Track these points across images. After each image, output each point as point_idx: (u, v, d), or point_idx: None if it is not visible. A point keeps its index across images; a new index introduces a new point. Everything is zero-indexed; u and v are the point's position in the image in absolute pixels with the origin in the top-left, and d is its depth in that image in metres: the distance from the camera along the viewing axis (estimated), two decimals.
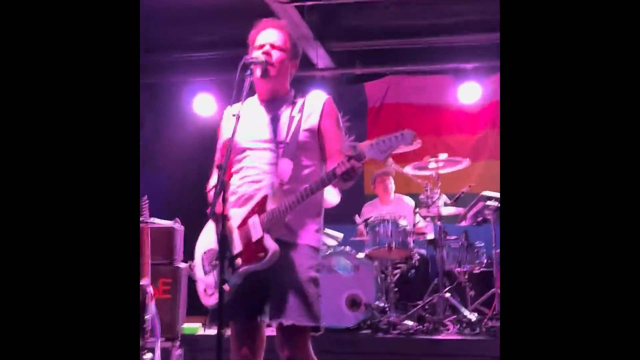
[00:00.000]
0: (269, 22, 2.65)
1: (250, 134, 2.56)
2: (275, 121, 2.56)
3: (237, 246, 2.44)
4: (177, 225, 5.47)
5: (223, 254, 2.24)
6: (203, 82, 7.42)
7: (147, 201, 5.16)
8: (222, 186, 2.19)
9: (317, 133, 2.56)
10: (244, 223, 2.45)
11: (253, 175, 2.52)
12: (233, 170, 2.59)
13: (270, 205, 2.40)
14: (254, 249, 2.38)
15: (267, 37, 2.59)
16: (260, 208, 2.43)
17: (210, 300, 2.51)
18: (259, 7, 5.58)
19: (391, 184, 6.14)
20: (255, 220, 2.41)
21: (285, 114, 2.58)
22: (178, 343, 4.82)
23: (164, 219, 5.69)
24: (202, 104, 7.42)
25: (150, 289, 4.69)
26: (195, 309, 5.84)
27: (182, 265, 5.37)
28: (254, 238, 2.38)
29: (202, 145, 7.52)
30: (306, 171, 2.50)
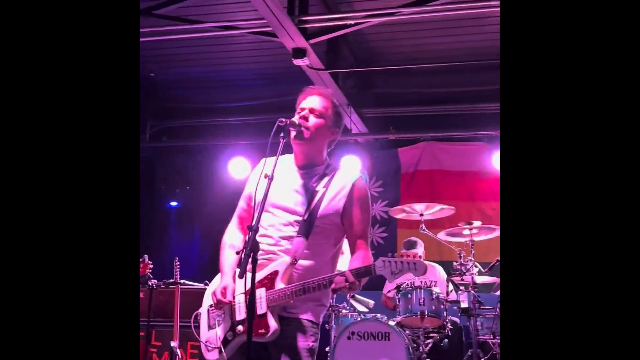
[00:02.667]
0: (314, 89, 2.70)
1: (283, 202, 2.55)
2: (299, 192, 2.56)
3: (241, 313, 2.46)
4: (207, 288, 5.45)
5: (251, 317, 2.22)
6: (239, 145, 7.55)
7: (178, 263, 5.19)
8: (253, 248, 2.18)
9: (341, 214, 2.54)
10: (248, 295, 2.42)
11: (268, 243, 2.50)
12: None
13: (278, 284, 2.41)
14: (256, 322, 2.36)
15: (309, 103, 2.62)
16: (269, 283, 2.43)
17: (210, 355, 2.52)
18: (297, 73, 5.73)
19: (419, 248, 6.02)
20: (262, 295, 2.41)
21: (311, 186, 2.57)
22: None
23: (195, 282, 5.70)
24: (237, 166, 7.52)
25: (179, 352, 4.65)
26: None
27: None
28: (258, 312, 2.39)
29: (235, 206, 7.61)
30: (320, 250, 2.50)
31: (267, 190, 2.37)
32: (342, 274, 2.34)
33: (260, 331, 2.36)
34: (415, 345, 5.16)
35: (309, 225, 2.48)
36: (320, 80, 5.84)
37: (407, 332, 5.20)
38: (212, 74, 7.06)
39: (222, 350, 2.46)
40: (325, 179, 2.58)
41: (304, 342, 2.46)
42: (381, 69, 6.75)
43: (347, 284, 2.30)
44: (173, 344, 4.67)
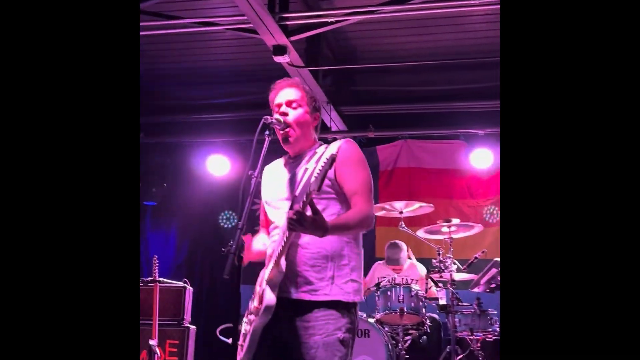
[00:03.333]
0: (283, 82, 2.67)
1: (275, 194, 2.58)
2: (293, 178, 2.54)
3: (254, 303, 2.46)
4: (186, 286, 5.43)
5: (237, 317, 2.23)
6: (217, 142, 7.51)
7: (157, 261, 5.16)
8: (238, 246, 2.18)
9: (334, 180, 2.46)
10: (261, 281, 2.47)
11: (275, 235, 2.51)
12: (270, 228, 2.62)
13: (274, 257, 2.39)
14: (259, 302, 2.39)
15: (283, 96, 2.60)
16: (269, 260, 2.44)
17: (239, 356, 2.45)
18: (277, 70, 5.71)
19: (403, 253, 6.08)
20: (261, 276, 2.43)
21: (301, 167, 2.55)
22: None
23: (174, 279, 5.67)
24: (216, 164, 7.48)
25: (158, 350, 4.62)
26: None
27: (191, 326, 5.30)
28: (260, 292, 2.39)
29: (214, 205, 7.60)
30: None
31: (252, 188, 2.35)
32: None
33: (257, 307, 2.35)
34: (394, 342, 5.20)
35: (297, 200, 2.39)
36: (300, 78, 5.83)
37: (387, 329, 5.23)
38: (191, 71, 7.00)
39: (243, 347, 2.43)
40: (316, 156, 2.53)
41: (331, 333, 2.32)
42: (360, 67, 6.76)
43: (294, 215, 2.17)
44: (152, 342, 4.64)
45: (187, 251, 7.69)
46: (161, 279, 5.18)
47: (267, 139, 2.45)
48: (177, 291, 5.37)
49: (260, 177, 2.43)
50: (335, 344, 2.31)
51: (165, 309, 5.13)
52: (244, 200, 2.30)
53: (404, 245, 5.99)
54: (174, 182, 7.77)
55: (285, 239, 2.31)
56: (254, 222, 2.75)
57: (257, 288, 2.47)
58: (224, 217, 7.53)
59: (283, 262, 2.33)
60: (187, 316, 5.35)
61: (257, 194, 2.59)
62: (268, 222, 2.64)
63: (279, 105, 2.59)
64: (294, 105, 2.58)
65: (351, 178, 2.45)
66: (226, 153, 7.43)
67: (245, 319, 2.53)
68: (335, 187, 2.47)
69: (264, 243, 2.62)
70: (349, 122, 7.22)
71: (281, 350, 2.39)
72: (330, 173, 2.38)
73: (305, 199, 2.18)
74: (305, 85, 2.67)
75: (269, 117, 2.49)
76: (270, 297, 2.30)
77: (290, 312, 2.35)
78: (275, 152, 2.63)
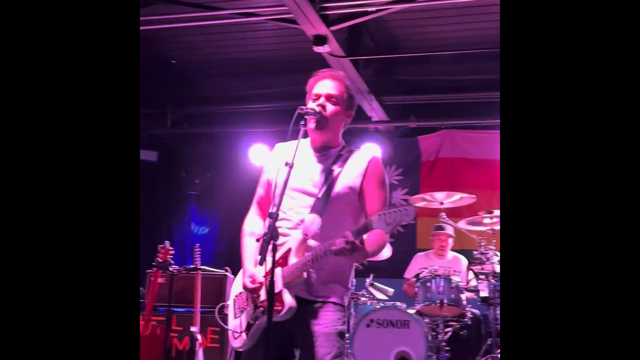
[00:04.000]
0: (327, 72, 2.67)
1: (292, 182, 2.52)
2: (316, 174, 2.57)
3: (262, 295, 2.48)
4: (228, 274, 5.50)
5: (271, 303, 2.24)
6: (259, 132, 7.56)
7: (199, 249, 5.23)
8: (273, 235, 2.19)
9: (358, 192, 2.54)
10: (268, 274, 2.44)
11: (288, 227, 2.52)
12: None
13: (291, 260, 2.43)
14: (279, 303, 2.41)
15: (324, 88, 2.60)
16: (284, 261, 2.45)
17: (236, 342, 2.57)
18: (317, 61, 5.71)
19: (449, 244, 6.02)
20: (278, 273, 2.43)
21: (325, 166, 2.58)
22: None
23: (215, 268, 5.75)
24: (258, 154, 7.53)
25: (199, 337, 4.70)
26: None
27: None
28: (276, 290, 2.39)
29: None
30: (337, 229, 2.39)
31: (288, 178, 2.38)
32: (342, 235, 2.28)
33: (276, 308, 2.38)
34: (434, 333, 5.16)
35: (323, 203, 2.48)
36: (341, 68, 5.81)
37: (426, 320, 5.19)
38: (233, 61, 7.06)
39: (246, 336, 2.49)
40: (341, 159, 2.59)
41: (332, 326, 2.46)
42: (402, 56, 6.70)
43: (347, 245, 2.23)
44: (193, 329, 4.72)
45: (229, 240, 7.78)
46: (203, 267, 5.26)
47: (302, 129, 2.46)
48: (218, 279, 5.45)
49: (292, 163, 2.43)
50: (335, 336, 2.45)
51: (207, 296, 5.21)
52: (277, 188, 2.33)
53: (450, 227, 5.90)
54: (217, 172, 7.86)
55: (315, 257, 2.37)
56: None
57: (262, 279, 2.48)
58: None
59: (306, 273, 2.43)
60: None
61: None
62: (268, 202, 2.67)
63: (318, 96, 2.59)
64: (333, 100, 2.58)
65: (375, 197, 2.54)
66: (268, 143, 7.47)
67: (243, 306, 2.56)
68: (353, 198, 2.54)
69: (257, 237, 2.58)
70: (390, 112, 7.17)
71: (283, 342, 2.46)
72: (356, 185, 2.52)
73: (357, 234, 2.26)
74: (347, 81, 2.67)
75: (303, 107, 2.50)
76: (292, 301, 2.40)
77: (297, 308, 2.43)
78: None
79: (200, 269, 5.04)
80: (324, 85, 2.61)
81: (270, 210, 2.32)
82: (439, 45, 6.43)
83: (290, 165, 2.38)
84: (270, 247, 2.20)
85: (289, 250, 2.45)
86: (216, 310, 2.74)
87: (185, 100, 7.81)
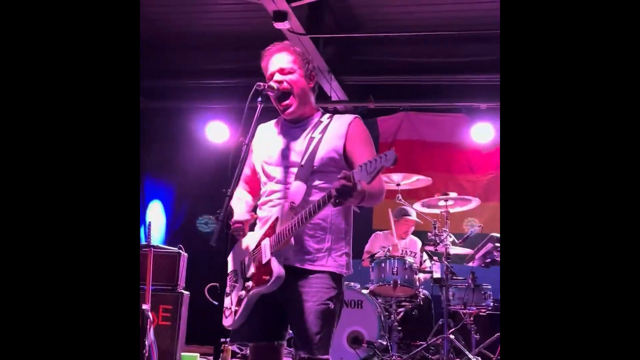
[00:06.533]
0: (272, 48, 2.60)
1: (272, 158, 2.55)
2: (294, 143, 2.54)
3: (251, 269, 2.45)
4: (181, 252, 5.43)
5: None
6: (217, 109, 7.46)
7: (151, 226, 5.14)
8: (226, 214, 2.15)
9: (343, 155, 2.48)
10: (257, 246, 2.46)
11: (274, 199, 2.50)
12: (261, 193, 2.60)
13: (279, 228, 2.38)
14: (262, 271, 2.38)
15: (275, 64, 2.56)
16: (271, 231, 2.42)
17: (227, 321, 2.52)
18: (276, 37, 5.62)
19: (413, 213, 6.04)
20: (265, 243, 2.40)
21: (305, 135, 2.54)
22: None
23: (170, 245, 5.66)
24: (215, 131, 7.43)
25: (150, 315, 4.63)
26: (195, 338, 5.79)
27: (185, 292, 5.31)
28: (264, 261, 2.39)
29: (212, 172, 7.56)
30: (322, 194, 2.31)
31: (244, 157, 2.34)
32: (330, 189, 2.21)
33: (264, 277, 2.35)
34: (387, 313, 5.22)
35: (307, 170, 2.43)
36: (300, 45, 5.74)
37: (380, 300, 5.25)
38: (192, 35, 6.90)
39: (237, 312, 2.45)
40: (321, 126, 2.54)
41: (324, 302, 2.37)
42: (363, 36, 6.66)
43: (337, 187, 2.14)
44: (144, 306, 4.64)
45: (184, 217, 7.69)
46: (156, 245, 5.17)
47: (259, 105, 2.41)
48: (171, 257, 5.37)
49: (251, 140, 2.40)
50: (326, 313, 2.37)
51: (160, 274, 5.14)
52: (233, 167, 2.28)
53: (412, 211, 5.94)
54: (174, 148, 7.73)
55: (304, 217, 2.28)
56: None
57: (250, 252, 2.47)
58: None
59: (292, 237, 2.36)
60: (182, 282, 5.36)
61: (248, 163, 2.56)
62: (253, 181, 2.66)
63: (273, 74, 2.54)
64: (287, 71, 2.53)
65: (363, 156, 2.42)
66: (225, 119, 7.39)
67: (233, 283, 2.54)
68: (340, 162, 2.48)
69: (247, 201, 2.64)
70: (349, 92, 7.14)
71: (274, 315, 2.45)
72: (339, 148, 2.46)
73: (349, 178, 2.15)
74: (296, 47, 2.62)
75: (261, 83, 2.45)
76: (280, 269, 2.34)
77: (287, 278, 2.37)
78: (268, 117, 2.59)
79: (152, 246, 4.96)
80: (274, 61, 2.56)
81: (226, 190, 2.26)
82: (400, 26, 6.41)
83: (245, 144, 2.34)
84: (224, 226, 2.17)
85: (276, 219, 2.41)
86: (205, 290, 2.71)
87: (142, 74, 7.62)
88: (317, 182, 2.45)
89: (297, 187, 2.42)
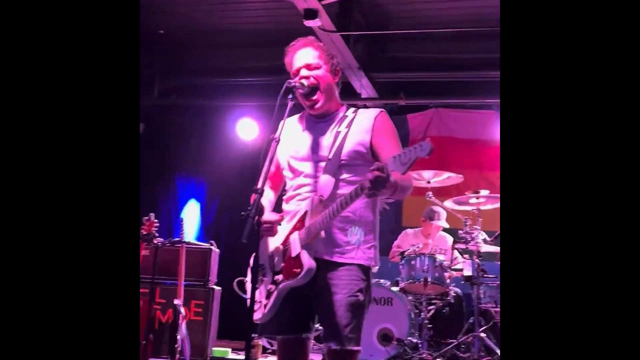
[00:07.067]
0: (296, 43, 2.62)
1: (299, 153, 2.56)
2: (321, 138, 2.55)
3: (279, 263, 2.47)
4: (213, 248, 5.48)
5: (255, 274, 2.24)
6: (247, 107, 7.50)
7: (184, 222, 5.21)
8: (257, 210, 2.17)
9: (370, 149, 2.49)
10: (286, 240, 2.47)
11: (303, 193, 2.51)
12: (286, 188, 2.62)
13: (308, 221, 2.40)
14: (292, 264, 2.39)
15: (300, 60, 2.57)
16: (300, 224, 2.43)
17: (256, 315, 2.52)
18: (307, 34, 5.63)
19: (442, 215, 6.01)
20: (295, 237, 2.42)
21: (332, 129, 2.55)
22: None
23: (201, 242, 5.73)
24: (245, 128, 7.48)
25: (183, 310, 4.70)
26: (227, 333, 5.85)
27: (216, 287, 5.37)
28: (293, 254, 2.40)
29: (242, 169, 7.61)
30: (351, 187, 2.34)
31: (274, 153, 2.36)
32: (362, 180, 2.21)
33: (294, 270, 2.37)
34: (417, 311, 5.20)
35: (334, 164, 2.45)
36: (331, 43, 5.75)
37: (410, 298, 5.23)
38: (223, 33, 6.97)
39: (267, 305, 2.47)
40: (347, 120, 2.55)
41: (354, 295, 2.39)
42: (393, 33, 6.64)
43: (371, 178, 2.12)
44: (177, 301, 4.71)
45: (216, 213, 7.76)
46: (188, 240, 5.24)
47: (289, 103, 2.43)
48: (203, 252, 5.44)
49: (278, 137, 2.40)
50: (356, 305, 2.39)
51: (192, 269, 5.20)
52: (263, 163, 2.30)
53: (443, 213, 5.93)
54: (204, 145, 7.81)
55: (335, 210, 2.29)
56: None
57: (279, 246, 2.49)
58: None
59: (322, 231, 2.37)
60: (213, 277, 5.42)
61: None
62: (276, 177, 2.66)
63: (298, 70, 2.56)
64: (313, 67, 2.55)
65: (390, 148, 2.44)
66: (255, 117, 7.43)
67: (262, 277, 2.56)
68: (367, 156, 2.49)
69: (270, 199, 2.65)
70: (380, 89, 7.13)
71: (303, 308, 2.46)
72: (366, 142, 2.47)
73: (382, 169, 2.13)
74: (319, 42, 2.64)
75: (292, 81, 2.46)
76: (310, 261, 2.35)
77: (316, 271, 2.38)
78: (293, 114, 2.60)
79: (184, 242, 5.02)
80: (299, 57, 2.58)
81: (255, 187, 2.28)
82: (430, 22, 6.38)
83: (276, 141, 2.36)
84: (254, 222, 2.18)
85: (305, 213, 2.43)
86: (235, 283, 2.72)
87: (174, 71, 7.71)
88: (345, 176, 2.46)
89: (326, 181, 2.43)
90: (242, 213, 2.21)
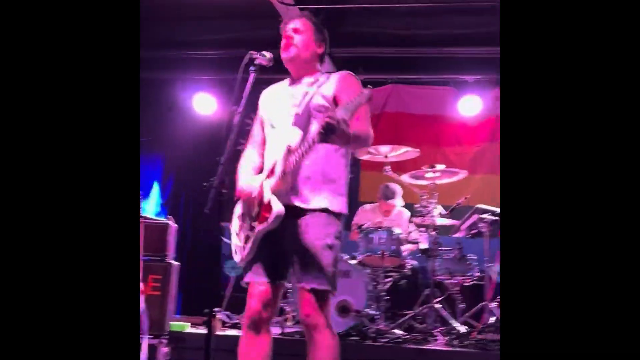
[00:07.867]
0: (293, 15, 2.86)
1: (274, 114, 2.74)
2: (295, 97, 2.71)
3: (255, 209, 2.60)
4: (170, 223, 5.44)
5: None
6: (204, 80, 7.40)
7: (142, 197, 5.14)
8: (220, 181, 2.18)
9: (333, 104, 2.64)
10: (260, 188, 2.61)
11: (276, 150, 2.63)
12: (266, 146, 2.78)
13: (278, 169, 2.53)
14: (264, 210, 2.54)
15: (291, 26, 2.79)
16: (271, 173, 2.59)
17: (237, 257, 2.70)
18: (264, 8, 5.59)
19: (398, 194, 6.09)
20: (266, 185, 2.58)
21: (304, 89, 2.73)
22: (165, 340, 4.77)
23: (158, 217, 5.67)
24: (202, 102, 7.39)
25: (141, 285, 4.66)
26: (186, 309, 5.84)
27: (174, 262, 5.35)
28: (265, 200, 2.53)
29: (199, 143, 7.54)
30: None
31: (238, 124, 2.48)
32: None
33: (265, 215, 2.51)
34: (374, 283, 5.28)
35: (303, 117, 2.61)
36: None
37: (367, 270, 5.30)
38: (178, 6, 6.82)
39: (244, 248, 2.62)
40: (318, 82, 2.74)
41: (323, 239, 2.58)
42: (352, 7, 6.62)
43: (322, 124, 2.30)
44: None
45: (172, 188, 7.69)
46: (145, 215, 5.18)
47: (251, 75, 2.45)
48: (160, 227, 5.39)
49: (242, 109, 2.54)
50: (324, 248, 2.56)
51: (149, 244, 5.15)
52: (227, 135, 2.34)
53: (399, 191, 6.02)
54: (160, 119, 7.68)
55: (298, 155, 2.45)
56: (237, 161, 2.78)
57: (255, 195, 2.60)
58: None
59: (290, 176, 2.53)
60: (171, 252, 5.39)
61: (241, 132, 2.61)
62: (264, 140, 2.82)
63: (286, 32, 2.75)
64: (299, 31, 2.75)
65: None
66: (212, 91, 7.34)
67: (239, 222, 2.69)
68: (331, 110, 2.56)
69: (254, 162, 2.82)
70: (338, 64, 7.10)
71: (277, 251, 2.60)
72: (329, 97, 2.67)
73: (332, 117, 2.30)
74: (314, 18, 2.84)
75: (254, 52, 2.50)
76: (280, 207, 2.50)
77: (288, 217, 2.53)
78: (259, 89, 2.64)
79: (142, 216, 4.97)
80: (291, 24, 2.78)
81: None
82: None
83: (238, 112, 2.43)
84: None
85: (275, 162, 2.57)
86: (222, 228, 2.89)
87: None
88: (312, 129, 2.56)
89: (295, 132, 2.58)
90: (204, 184, 2.23)
